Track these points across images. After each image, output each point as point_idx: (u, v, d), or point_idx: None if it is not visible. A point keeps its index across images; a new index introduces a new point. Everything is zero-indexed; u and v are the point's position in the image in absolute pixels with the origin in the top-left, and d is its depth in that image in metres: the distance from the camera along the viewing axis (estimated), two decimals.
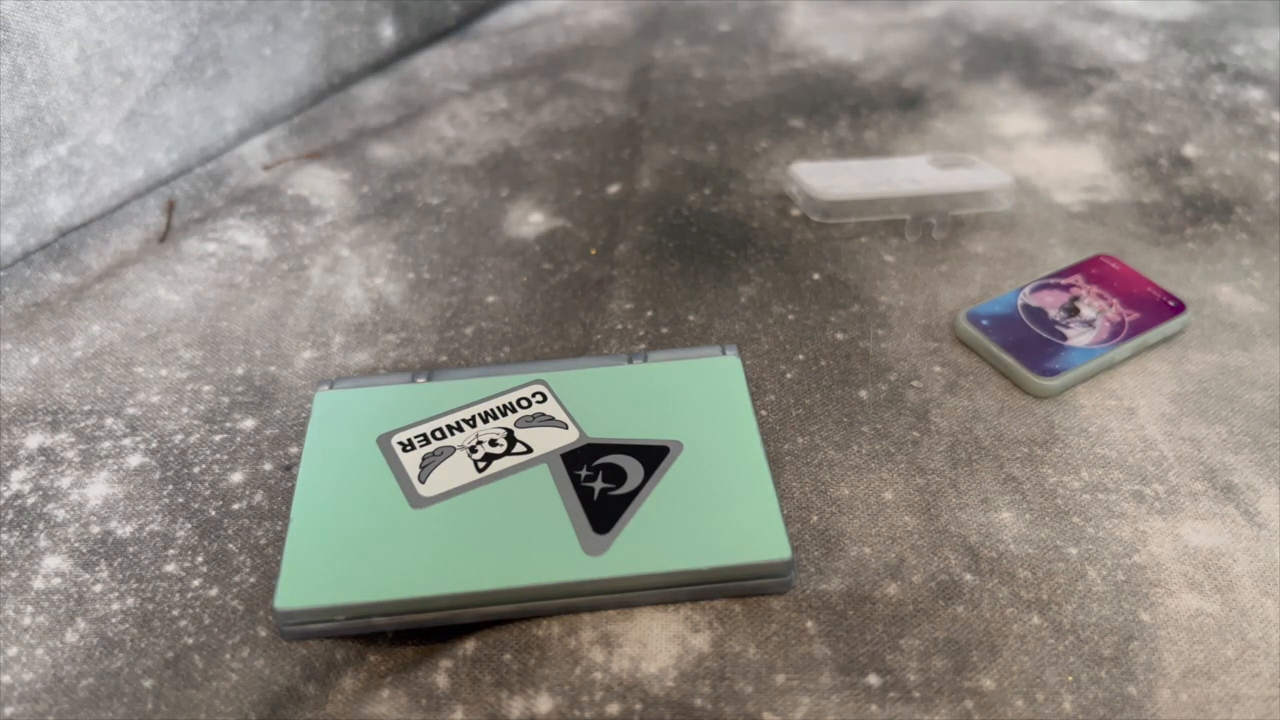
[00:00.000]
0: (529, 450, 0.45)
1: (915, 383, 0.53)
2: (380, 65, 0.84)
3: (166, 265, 0.63)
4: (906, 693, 0.39)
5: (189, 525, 0.46)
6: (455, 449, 0.46)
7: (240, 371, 0.55)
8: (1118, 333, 0.54)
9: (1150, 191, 0.68)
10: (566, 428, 0.47)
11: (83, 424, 0.52)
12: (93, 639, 0.41)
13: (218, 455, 0.50)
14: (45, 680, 0.40)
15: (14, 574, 0.44)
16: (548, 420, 0.47)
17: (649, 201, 0.67)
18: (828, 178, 0.65)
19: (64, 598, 0.43)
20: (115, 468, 0.49)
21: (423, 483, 0.44)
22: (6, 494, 0.48)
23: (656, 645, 0.40)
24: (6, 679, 0.40)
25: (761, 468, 0.44)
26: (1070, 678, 0.39)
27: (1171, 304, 0.56)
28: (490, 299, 0.59)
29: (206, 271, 0.63)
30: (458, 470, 0.45)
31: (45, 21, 0.60)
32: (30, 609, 0.42)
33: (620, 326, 0.56)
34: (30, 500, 0.48)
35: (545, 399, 0.48)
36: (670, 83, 0.81)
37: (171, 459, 0.49)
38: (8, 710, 0.39)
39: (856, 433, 0.50)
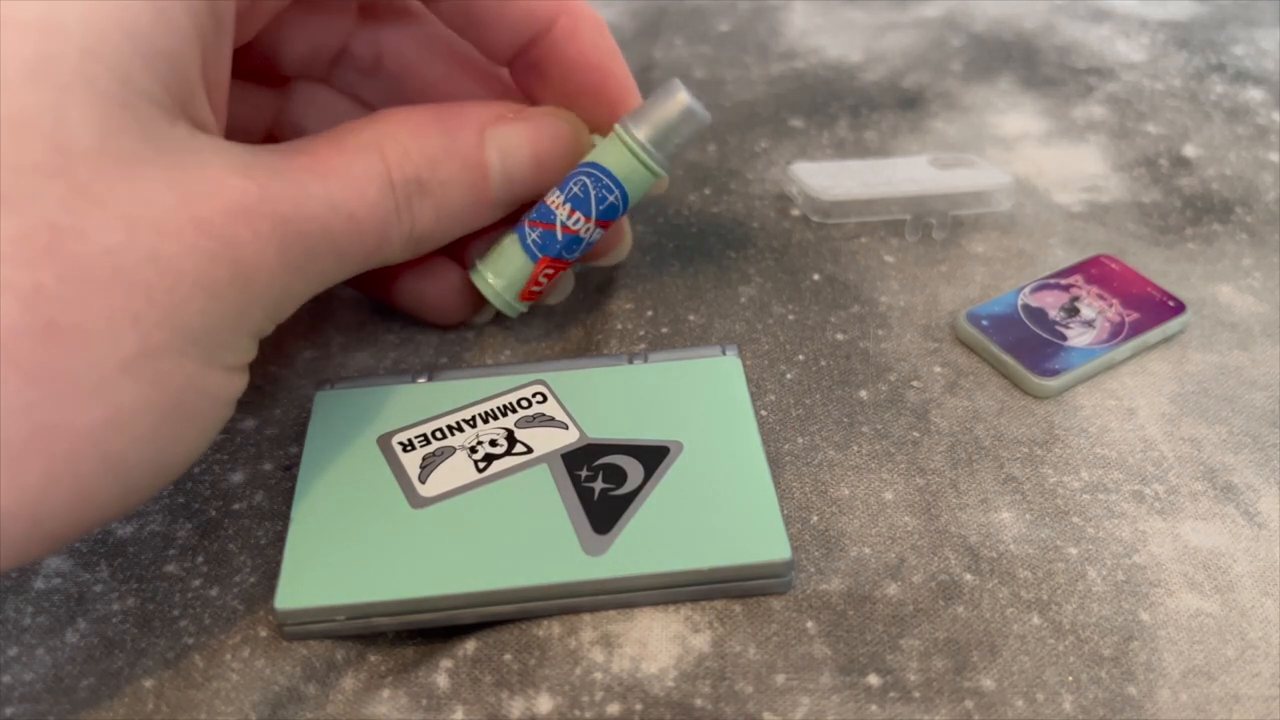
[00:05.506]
0: (529, 450, 0.45)
1: (915, 383, 0.53)
2: None
3: None
4: (906, 693, 0.39)
5: (189, 525, 0.46)
6: (455, 449, 0.46)
7: None
8: (1118, 333, 0.54)
9: (1150, 191, 0.68)
10: (567, 428, 0.47)
11: None
12: (93, 639, 0.41)
13: (218, 455, 0.49)
14: (45, 680, 0.40)
15: (14, 574, 0.44)
16: (548, 420, 0.47)
17: (649, 201, 0.67)
18: (828, 178, 0.65)
19: (64, 598, 0.43)
20: None
21: (423, 483, 0.44)
22: None
23: (657, 645, 0.40)
24: (6, 679, 0.40)
25: (761, 468, 0.44)
26: (1070, 678, 0.39)
27: (1171, 304, 0.56)
28: None
29: None
30: (458, 470, 0.45)
31: None
32: (30, 609, 0.43)
33: (620, 326, 0.56)
34: None
35: (545, 399, 0.48)
36: None
37: None
38: (8, 711, 0.39)
39: (856, 433, 0.50)
